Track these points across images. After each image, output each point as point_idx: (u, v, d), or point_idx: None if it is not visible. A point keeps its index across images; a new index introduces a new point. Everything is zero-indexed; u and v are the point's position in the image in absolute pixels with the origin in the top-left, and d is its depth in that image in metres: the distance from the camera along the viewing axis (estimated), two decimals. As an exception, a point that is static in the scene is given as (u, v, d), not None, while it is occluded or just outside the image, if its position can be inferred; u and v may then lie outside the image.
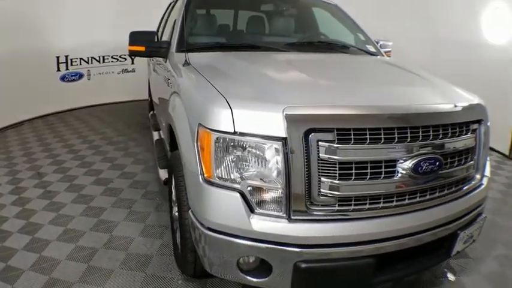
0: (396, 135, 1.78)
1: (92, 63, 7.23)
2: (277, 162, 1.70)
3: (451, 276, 2.54)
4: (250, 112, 1.74)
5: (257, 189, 1.75)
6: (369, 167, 1.76)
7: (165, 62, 3.08)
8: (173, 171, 2.39)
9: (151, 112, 5.34)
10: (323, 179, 1.72)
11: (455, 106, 2.05)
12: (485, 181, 2.27)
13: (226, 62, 2.59)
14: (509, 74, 4.95)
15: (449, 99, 2.15)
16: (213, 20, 3.63)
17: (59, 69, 6.77)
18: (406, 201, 1.87)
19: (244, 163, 1.75)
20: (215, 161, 1.77)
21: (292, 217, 1.73)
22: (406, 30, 6.06)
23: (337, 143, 1.70)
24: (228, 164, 1.76)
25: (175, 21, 3.19)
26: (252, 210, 1.75)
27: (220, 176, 1.78)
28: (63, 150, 4.84)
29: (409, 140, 1.81)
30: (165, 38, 3.71)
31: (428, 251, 2.04)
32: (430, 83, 2.44)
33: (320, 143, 1.70)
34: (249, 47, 3.03)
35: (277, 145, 1.69)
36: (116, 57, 7.54)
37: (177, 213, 2.35)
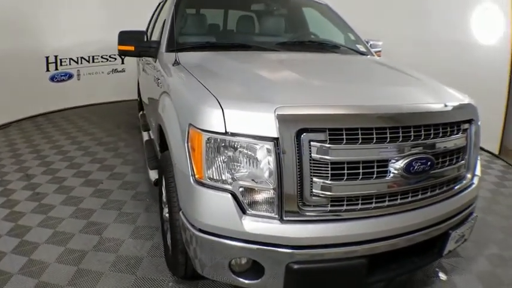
0: (388, 135, 1.78)
1: (81, 63, 7.16)
2: (269, 163, 1.69)
3: (442, 276, 2.55)
4: (241, 112, 1.73)
5: (249, 190, 1.73)
6: (361, 167, 1.75)
7: (155, 61, 3.05)
8: (163, 172, 2.36)
9: (141, 112, 5.30)
10: (315, 179, 1.71)
11: (447, 106, 2.05)
12: (476, 180, 2.28)
13: (217, 62, 2.57)
14: (498, 74, 4.99)
15: (441, 98, 2.15)
16: (202, 20, 3.61)
17: (48, 70, 6.70)
18: (398, 201, 1.87)
19: (235, 164, 1.73)
20: (206, 162, 1.75)
21: (285, 218, 1.72)
22: (395, 30, 6.08)
23: (329, 143, 1.69)
24: (219, 165, 1.75)
25: (164, 20, 3.17)
26: (243, 211, 1.73)
27: (211, 176, 1.76)
28: (52, 151, 4.77)
29: (400, 139, 1.80)
30: (154, 37, 3.68)
31: (420, 250, 2.04)
32: (421, 82, 2.44)
33: (312, 143, 1.69)
34: (240, 46, 3.02)
35: (269, 145, 1.68)
36: (105, 57, 7.47)
37: (167, 215, 2.32)
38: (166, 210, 2.41)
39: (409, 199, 1.90)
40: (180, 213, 1.97)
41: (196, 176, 1.80)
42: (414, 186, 1.89)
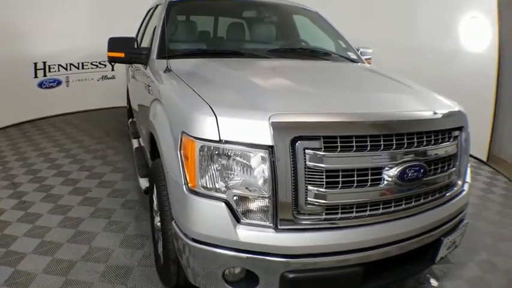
0: (382, 143, 1.78)
1: (70, 69, 7.07)
2: (263, 171, 1.68)
3: (433, 282, 2.56)
4: (235, 120, 1.71)
5: (243, 199, 1.71)
6: (355, 175, 1.75)
7: (145, 68, 3.02)
8: (155, 181, 2.33)
9: (130, 119, 5.23)
10: (310, 187, 1.70)
11: (438, 113, 2.07)
12: (466, 187, 2.30)
13: (209, 69, 2.56)
14: (485, 81, 5.06)
15: (432, 106, 2.17)
16: (193, 27, 3.59)
17: (36, 76, 6.59)
18: (392, 209, 1.87)
19: (229, 172, 1.71)
20: (200, 170, 1.73)
21: (279, 226, 1.70)
22: (384, 37, 6.14)
23: (323, 151, 1.69)
24: (213, 173, 1.72)
25: (155, 27, 3.14)
26: (238, 220, 1.71)
27: (205, 185, 1.73)
28: (39, 159, 4.68)
29: (394, 147, 1.81)
30: (144, 44, 3.65)
31: (413, 258, 2.04)
32: (413, 90, 2.45)
33: (307, 151, 1.68)
34: (231, 53, 3.01)
35: (264, 153, 1.66)
36: (95, 63, 7.39)
37: (159, 224, 2.29)
38: (157, 219, 2.37)
39: (403, 206, 1.90)
40: (173, 222, 1.94)
41: (189, 185, 1.77)
42: (407, 194, 1.89)
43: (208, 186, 1.73)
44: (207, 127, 1.71)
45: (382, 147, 1.78)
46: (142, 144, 3.72)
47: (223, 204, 1.70)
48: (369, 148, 1.76)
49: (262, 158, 1.67)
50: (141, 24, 4.90)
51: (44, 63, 6.65)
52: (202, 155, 1.72)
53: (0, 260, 2.62)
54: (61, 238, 2.92)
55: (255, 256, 1.71)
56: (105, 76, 7.60)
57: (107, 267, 2.59)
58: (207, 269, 1.80)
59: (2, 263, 2.59)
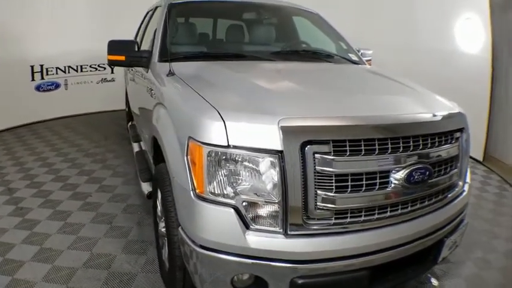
0: (389, 146, 1.77)
1: (69, 72, 7.03)
2: (273, 176, 1.65)
3: (434, 281, 2.62)
4: (244, 124, 1.69)
5: (252, 205, 1.69)
6: (364, 179, 1.74)
7: (147, 72, 2.99)
8: (159, 186, 2.30)
9: (130, 123, 5.18)
10: (319, 191, 1.68)
11: (442, 115, 2.09)
12: (466, 188, 2.32)
13: (213, 72, 2.54)
14: (480, 82, 5.10)
15: (436, 108, 2.18)
16: (194, 29, 3.56)
17: (33, 79, 6.55)
18: (399, 212, 1.87)
19: (239, 177, 1.69)
20: (208, 176, 1.70)
21: (289, 232, 1.68)
22: (382, 39, 6.16)
23: (333, 155, 1.67)
24: (221, 179, 1.70)
25: (155, 30, 3.11)
26: (247, 226, 1.69)
27: (213, 191, 1.71)
28: (36, 163, 4.62)
29: (401, 150, 1.81)
30: (144, 47, 3.61)
31: (416, 259, 2.04)
32: (415, 91, 2.47)
33: (316, 155, 1.66)
34: (234, 56, 2.99)
35: (273, 158, 1.64)
36: (94, 66, 7.37)
37: (164, 229, 2.26)
38: (162, 224, 2.34)
39: (409, 209, 1.90)
40: (179, 228, 1.91)
41: (197, 191, 1.74)
42: (414, 196, 1.90)
43: (217, 192, 1.70)
44: (215, 132, 1.68)
45: (389, 151, 1.77)
46: (143, 148, 3.69)
47: (232, 210, 1.68)
48: (377, 152, 1.75)
49: (272, 163, 1.65)
50: (140, 27, 4.87)
51: (41, 66, 6.61)
52: (210, 160, 1.69)
53: (-3, 268, 2.56)
54: (61, 245, 2.86)
55: (265, 262, 1.68)
56: (105, 79, 7.58)
57: (109, 274, 2.55)
58: (215, 276, 1.77)
59: (-1, 272, 2.52)
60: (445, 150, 2.00)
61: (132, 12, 5.73)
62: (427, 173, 1.87)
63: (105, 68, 7.47)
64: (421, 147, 1.87)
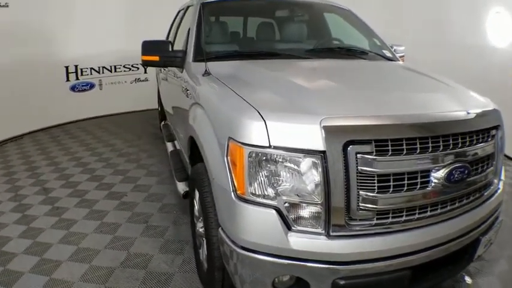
0: (430, 145, 1.75)
1: (103, 72, 7.20)
2: (316, 177, 1.63)
3: (468, 279, 2.61)
4: (285, 124, 1.67)
5: (294, 206, 1.67)
6: (405, 178, 1.71)
7: (181, 71, 2.99)
8: (197, 186, 2.30)
9: (163, 122, 5.22)
10: (361, 192, 1.66)
11: (479, 113, 2.04)
12: (501, 185, 2.28)
13: (249, 71, 2.52)
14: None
15: (472, 105, 2.13)
16: (226, 28, 3.55)
17: (68, 79, 6.72)
18: (439, 211, 1.85)
19: (280, 178, 1.67)
20: (249, 177, 1.69)
21: (331, 233, 1.66)
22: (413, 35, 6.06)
23: (375, 155, 1.65)
24: (263, 180, 1.68)
25: (189, 29, 3.11)
26: (289, 228, 1.67)
27: (254, 192, 1.69)
28: (71, 163, 4.72)
29: (441, 148, 1.78)
30: (177, 46, 3.62)
31: (453, 258, 2.01)
32: (452, 88, 2.42)
33: (358, 155, 1.64)
34: (267, 54, 2.96)
35: (316, 158, 1.62)
36: (128, 66, 7.51)
37: (202, 230, 2.26)
38: (200, 225, 2.34)
39: (448, 208, 1.88)
40: (219, 229, 1.91)
41: (237, 192, 1.73)
42: (453, 195, 1.87)
43: (258, 193, 1.69)
44: (256, 132, 1.67)
45: (430, 150, 1.75)
46: (178, 148, 3.70)
47: (274, 211, 1.66)
48: (418, 151, 1.72)
49: (314, 164, 1.63)
50: (171, 26, 4.89)
51: (76, 66, 6.77)
52: (251, 161, 1.68)
53: (34, 268, 2.61)
54: (98, 244, 2.91)
55: (307, 264, 1.66)
56: (138, 79, 7.73)
57: (147, 273, 2.57)
58: (255, 276, 1.76)
59: (36, 272, 2.57)
60: (482, 148, 1.97)
61: (163, 11, 5.79)
62: (466, 171, 1.85)
63: (138, 68, 7.59)
64: (459, 145, 1.84)
